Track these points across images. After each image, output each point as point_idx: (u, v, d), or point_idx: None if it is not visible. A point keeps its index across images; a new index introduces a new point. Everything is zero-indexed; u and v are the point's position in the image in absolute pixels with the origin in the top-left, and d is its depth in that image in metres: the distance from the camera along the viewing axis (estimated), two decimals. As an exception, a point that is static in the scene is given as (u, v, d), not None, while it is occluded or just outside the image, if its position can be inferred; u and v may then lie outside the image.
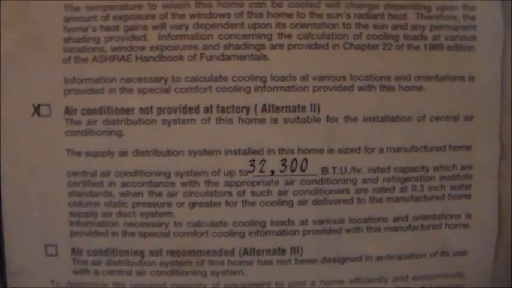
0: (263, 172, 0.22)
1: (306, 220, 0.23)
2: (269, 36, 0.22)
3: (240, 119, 0.22)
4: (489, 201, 0.23)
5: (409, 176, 0.23)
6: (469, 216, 0.23)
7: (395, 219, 0.23)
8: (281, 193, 0.22)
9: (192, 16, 0.22)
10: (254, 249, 0.23)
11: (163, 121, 0.22)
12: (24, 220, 0.22)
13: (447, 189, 0.23)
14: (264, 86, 0.22)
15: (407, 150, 0.23)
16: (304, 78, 0.22)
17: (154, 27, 0.22)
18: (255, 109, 0.22)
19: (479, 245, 0.24)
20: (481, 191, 0.23)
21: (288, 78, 0.22)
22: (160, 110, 0.22)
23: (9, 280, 0.23)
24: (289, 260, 0.23)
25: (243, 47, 0.22)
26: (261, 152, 0.22)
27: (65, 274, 0.23)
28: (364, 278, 0.23)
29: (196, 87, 0.22)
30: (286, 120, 0.22)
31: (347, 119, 0.22)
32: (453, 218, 0.23)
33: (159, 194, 0.22)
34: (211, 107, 0.22)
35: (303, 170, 0.22)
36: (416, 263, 0.23)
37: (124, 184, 0.22)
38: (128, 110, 0.22)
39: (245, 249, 0.23)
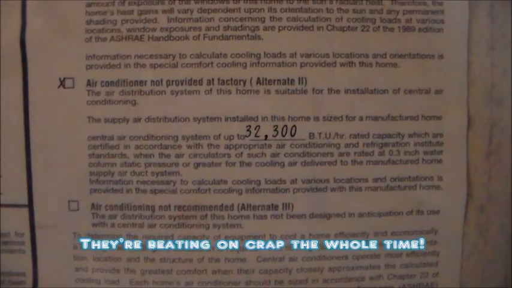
0: (258, 136, 0.24)
1: (296, 179, 0.24)
2: (262, 19, 0.24)
3: (237, 90, 0.24)
4: (458, 166, 0.25)
5: (386, 141, 0.24)
6: (440, 178, 0.25)
7: (375, 180, 0.25)
8: (273, 155, 0.24)
9: (196, 2, 0.24)
10: (250, 204, 0.24)
11: (172, 92, 0.24)
12: (50, 179, 0.24)
13: (421, 154, 0.25)
14: (258, 62, 0.24)
15: (385, 119, 0.24)
16: (292, 55, 0.24)
17: (164, 11, 0.24)
18: (251, 82, 0.24)
19: (450, 205, 0.25)
20: (451, 156, 0.25)
21: (279, 55, 0.24)
22: (169, 82, 0.24)
23: (37, 232, 0.25)
24: (281, 214, 0.24)
25: (240, 28, 0.24)
26: (256, 119, 0.24)
27: (85, 227, 0.24)
28: (348, 232, 0.25)
29: (200, 62, 0.24)
30: (277, 92, 0.24)
31: (330, 90, 0.24)
32: (426, 180, 0.25)
33: (168, 156, 0.24)
34: (212, 79, 0.24)
35: (292, 135, 0.24)
36: (394, 220, 0.25)
37: (137, 147, 0.24)
38: (141, 82, 0.24)
39: (243, 204, 0.24)
